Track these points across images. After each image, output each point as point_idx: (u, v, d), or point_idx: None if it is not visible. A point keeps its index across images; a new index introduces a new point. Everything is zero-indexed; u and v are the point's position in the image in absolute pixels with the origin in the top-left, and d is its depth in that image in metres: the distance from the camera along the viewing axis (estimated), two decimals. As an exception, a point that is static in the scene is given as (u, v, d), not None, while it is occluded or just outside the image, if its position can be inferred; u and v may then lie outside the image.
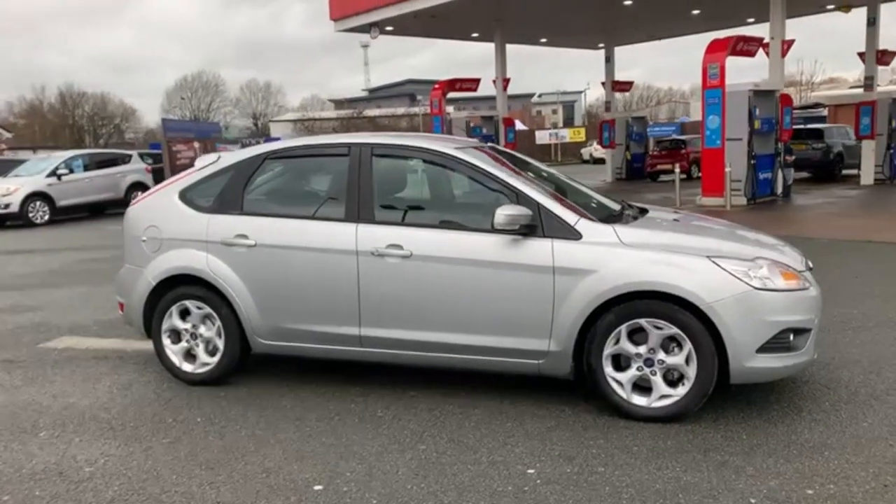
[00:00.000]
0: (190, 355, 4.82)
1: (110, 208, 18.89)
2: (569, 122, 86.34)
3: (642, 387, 3.96)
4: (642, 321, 3.86)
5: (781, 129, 16.11)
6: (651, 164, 24.72)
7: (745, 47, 15.31)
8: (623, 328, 3.89)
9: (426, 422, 4.04)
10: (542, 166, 5.23)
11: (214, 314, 4.67)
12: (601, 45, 27.09)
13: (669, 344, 3.87)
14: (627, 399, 3.94)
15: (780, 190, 16.30)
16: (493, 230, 4.10)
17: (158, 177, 19.32)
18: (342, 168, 4.54)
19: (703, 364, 3.79)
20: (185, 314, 4.78)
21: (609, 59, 25.18)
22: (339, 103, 73.20)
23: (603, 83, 25.60)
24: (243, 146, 29.38)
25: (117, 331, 6.35)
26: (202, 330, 4.74)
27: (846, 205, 14.98)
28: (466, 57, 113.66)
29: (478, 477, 3.35)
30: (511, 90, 23.36)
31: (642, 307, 3.85)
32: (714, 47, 14.90)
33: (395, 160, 4.63)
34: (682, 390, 3.86)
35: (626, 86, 26.11)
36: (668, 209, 5.26)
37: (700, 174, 22.66)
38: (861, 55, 20.31)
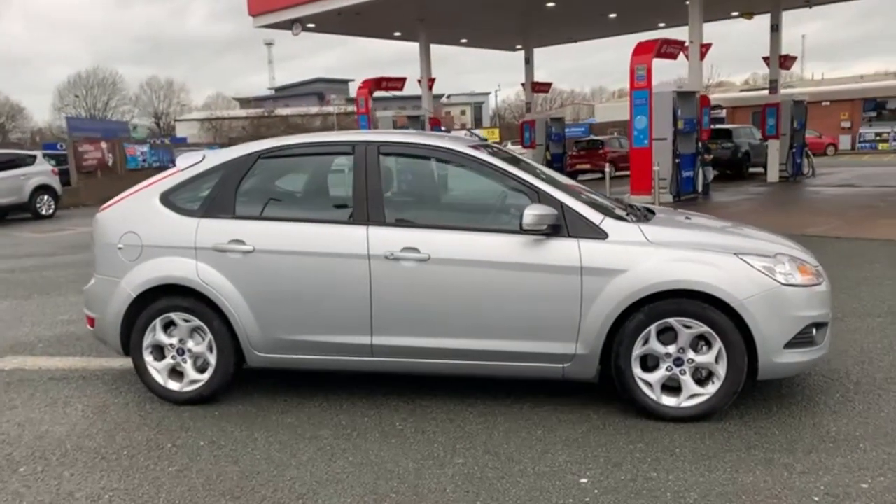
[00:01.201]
0: (176, 372, 4.42)
1: (13, 213, 17.48)
2: (477, 123, 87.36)
3: (670, 387, 3.92)
4: (672, 320, 3.82)
5: (701, 129, 16.78)
6: (571, 163, 25.32)
7: (669, 50, 15.83)
8: (653, 328, 3.84)
9: (452, 433, 3.85)
10: (539, 166, 5.13)
11: (205, 327, 4.30)
12: (519, 46, 27.46)
13: (697, 342, 3.85)
14: (657, 400, 3.89)
15: (700, 188, 16.96)
16: (512, 231, 3.97)
17: (65, 179, 18.05)
18: (345, 167, 4.27)
19: (733, 361, 3.78)
20: (168, 328, 4.38)
21: (529, 61, 25.52)
22: (244, 102, 71.05)
23: (523, 84, 25.93)
24: (153, 146, 28.04)
25: (69, 348, 5.81)
26: (190, 344, 4.36)
27: (762, 201, 15.76)
28: (376, 56, 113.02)
29: (532, 490, 3.20)
30: (408, 91, 23.07)
31: (672, 306, 3.80)
32: (640, 49, 15.32)
33: (403, 159, 4.41)
34: (711, 389, 3.84)
35: (545, 87, 26.58)
36: (668, 208, 5.26)
37: (617, 173, 23.50)
38: (766, 59, 21.47)
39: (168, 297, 4.33)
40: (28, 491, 3.38)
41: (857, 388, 4.30)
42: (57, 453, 3.78)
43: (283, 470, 3.49)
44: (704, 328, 3.79)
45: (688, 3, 19.71)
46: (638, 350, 3.87)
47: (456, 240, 4.03)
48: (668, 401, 3.88)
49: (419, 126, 21.42)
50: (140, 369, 4.43)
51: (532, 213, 3.81)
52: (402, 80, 21.40)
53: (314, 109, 52.13)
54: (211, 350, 4.32)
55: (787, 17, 22.16)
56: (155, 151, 29.32)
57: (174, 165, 4.57)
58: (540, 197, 3.99)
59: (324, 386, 4.59)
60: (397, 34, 23.73)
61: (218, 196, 4.33)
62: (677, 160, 15.89)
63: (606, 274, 3.84)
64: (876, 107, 35.96)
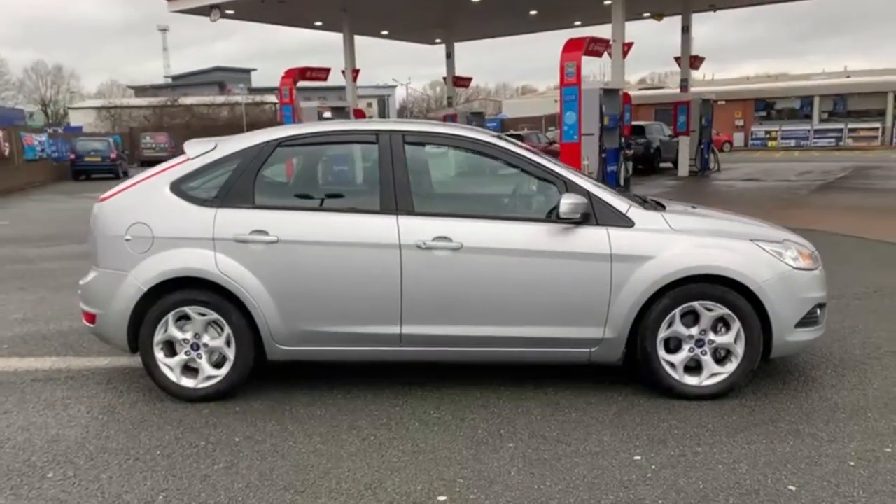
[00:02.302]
0: (189, 369, 4.25)
1: None
2: (383, 115, 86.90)
3: (690, 367, 4.13)
4: (695, 304, 4.03)
5: (623, 125, 17.47)
6: (491, 157, 25.66)
7: (596, 48, 16.35)
8: (677, 311, 4.03)
9: (491, 419, 3.91)
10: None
11: (223, 320, 4.16)
12: (438, 40, 27.59)
13: (716, 324, 4.08)
14: (679, 380, 4.09)
15: (622, 181, 17.66)
16: (541, 219, 4.09)
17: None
18: (371, 156, 4.23)
19: (750, 341, 4.04)
20: (181, 322, 4.21)
21: (450, 55, 25.68)
22: (140, 90, 67.71)
23: (444, 78, 26.09)
24: (51, 136, 26.32)
25: (39, 348, 5.46)
26: (206, 339, 4.20)
27: (682, 194, 16.58)
28: (279, 45, 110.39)
29: (594, 469, 3.32)
30: (328, 82, 22.76)
31: (696, 290, 4.01)
32: (570, 47, 15.74)
33: (428, 148, 4.41)
34: (730, 367, 4.08)
35: (465, 81, 26.81)
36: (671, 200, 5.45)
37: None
38: (677, 59, 22.58)
39: (182, 290, 4.16)
40: (70, 497, 3.18)
41: (842, 363, 4.67)
42: (82, 456, 3.57)
43: (337, 462, 3.45)
44: (725, 310, 4.02)
45: (607, 2, 20.47)
46: (663, 333, 4.06)
47: (487, 228, 4.09)
48: (690, 380, 4.10)
49: (345, 118, 21.17)
50: (150, 366, 4.23)
51: (568, 201, 3.92)
52: (327, 70, 21.07)
53: (220, 99, 50.31)
54: (229, 344, 4.19)
55: (678, 20, 23.32)
56: (54, 142, 27.56)
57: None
58: (568, 186, 4.10)
59: (338, 378, 4.54)
60: (318, 24, 23.33)
61: (236, 185, 4.19)
62: (603, 155, 16.47)
63: (635, 260, 4.00)
64: (766, 107, 38.49)
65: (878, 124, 35.66)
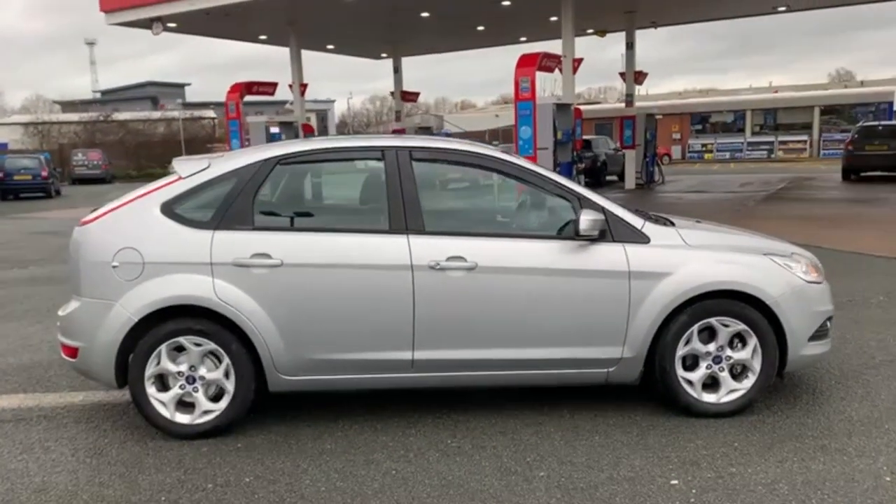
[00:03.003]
0: (183, 404, 3.95)
1: None
2: (323, 131, 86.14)
3: (706, 384, 4.07)
4: (712, 320, 3.97)
5: (575, 140, 17.68)
6: (441, 171, 25.64)
7: (548, 63, 16.51)
8: (695, 328, 3.97)
9: (514, 446, 3.75)
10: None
11: (221, 351, 3.88)
12: (384, 55, 27.48)
13: (733, 340, 4.04)
14: (698, 397, 4.03)
15: (575, 195, 17.84)
16: (556, 237, 3.99)
17: None
18: (376, 174, 4.05)
19: (767, 356, 4.00)
20: (174, 354, 3.91)
21: (398, 70, 25.60)
22: (68, 105, 65.19)
23: (392, 93, 25.95)
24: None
25: (2, 384, 5.02)
26: (202, 371, 3.92)
27: (638, 207, 16.83)
28: (213, 60, 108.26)
29: (635, 496, 3.20)
30: (269, 97, 22.24)
31: (713, 306, 3.96)
32: (524, 62, 15.84)
33: (436, 165, 4.24)
34: (747, 383, 4.04)
35: (413, 96, 26.74)
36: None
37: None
38: (622, 75, 23.05)
39: (177, 319, 3.87)
40: (72, 554, 2.87)
41: (843, 375, 4.70)
42: (79, 507, 3.25)
43: (363, 500, 3.23)
44: (742, 326, 3.98)
45: (553, 18, 20.76)
46: (681, 350, 3.99)
47: (502, 247, 3.95)
48: (709, 397, 4.04)
49: (293, 133, 20.77)
50: (141, 403, 3.91)
51: (588, 217, 3.83)
52: (274, 84, 20.65)
53: (157, 114, 48.76)
54: (227, 376, 3.91)
55: (611, 37, 23.90)
56: (-18, 160, 26.13)
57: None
58: (582, 203, 4.01)
59: (341, 408, 4.30)
60: (263, 38, 22.90)
61: (233, 206, 3.93)
62: (557, 169, 16.60)
63: (653, 277, 3.93)
64: (701, 120, 39.73)
65: (805, 137, 37.21)
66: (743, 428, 3.90)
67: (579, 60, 17.93)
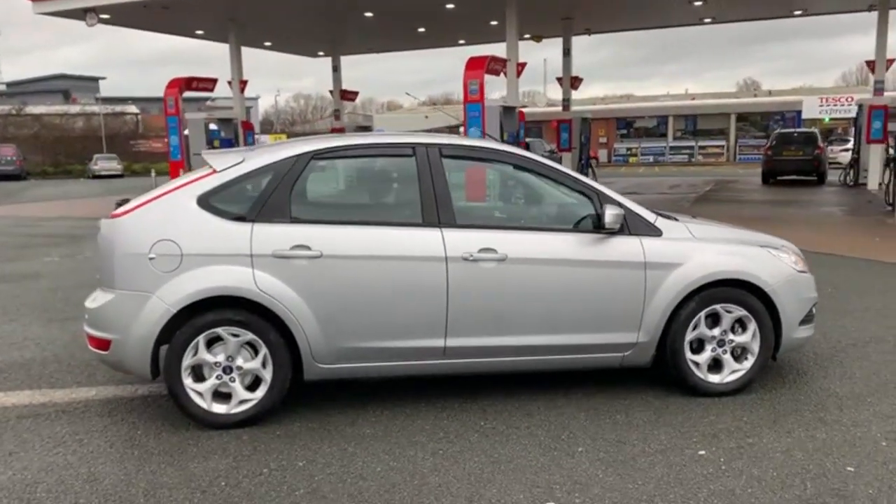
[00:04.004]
0: (219, 394, 4.01)
1: None
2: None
3: (710, 366, 4.42)
4: (717, 306, 4.33)
5: (520, 142, 18.13)
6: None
7: (495, 66, 16.89)
8: (702, 314, 4.32)
9: (546, 425, 3.99)
10: None
11: (259, 341, 3.96)
12: (321, 53, 27.36)
13: (734, 325, 4.40)
14: (704, 378, 4.37)
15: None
16: (578, 230, 4.25)
17: None
18: (408, 169, 4.20)
19: (764, 339, 4.39)
20: (212, 345, 3.96)
21: (337, 69, 25.53)
22: (-29, 98, 61.37)
23: (331, 91, 25.84)
24: None
25: (2, 382, 4.89)
26: (239, 361, 3.98)
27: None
28: (130, 53, 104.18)
29: (671, 466, 3.49)
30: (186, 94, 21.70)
31: (718, 294, 4.32)
32: (473, 65, 16.14)
33: (464, 161, 4.43)
34: (747, 364, 4.41)
35: (352, 95, 26.70)
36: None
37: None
38: (559, 80, 23.74)
39: (214, 310, 3.92)
40: (154, 537, 2.92)
41: (818, 357, 5.16)
42: (140, 495, 3.28)
43: (422, 478, 3.40)
44: (743, 312, 4.35)
45: (493, 23, 21.21)
46: (690, 335, 4.32)
47: (529, 239, 4.19)
48: (713, 378, 4.39)
49: (232, 130, 20.43)
50: (178, 394, 3.94)
51: (612, 212, 4.11)
52: (214, 80, 20.25)
53: (75, 108, 46.54)
54: (265, 365, 3.99)
55: (535, 45, 24.60)
56: None
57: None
58: (601, 198, 4.29)
59: (365, 396, 4.44)
60: (200, 32, 22.43)
61: (271, 199, 4.01)
62: (503, 169, 17.01)
63: (666, 268, 4.25)
64: (626, 125, 41.23)
65: (723, 142, 39.22)
66: (746, 405, 4.26)
67: (523, 64, 18.41)
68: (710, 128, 40.16)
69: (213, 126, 19.93)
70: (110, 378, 4.90)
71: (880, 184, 19.26)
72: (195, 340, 3.91)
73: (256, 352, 3.99)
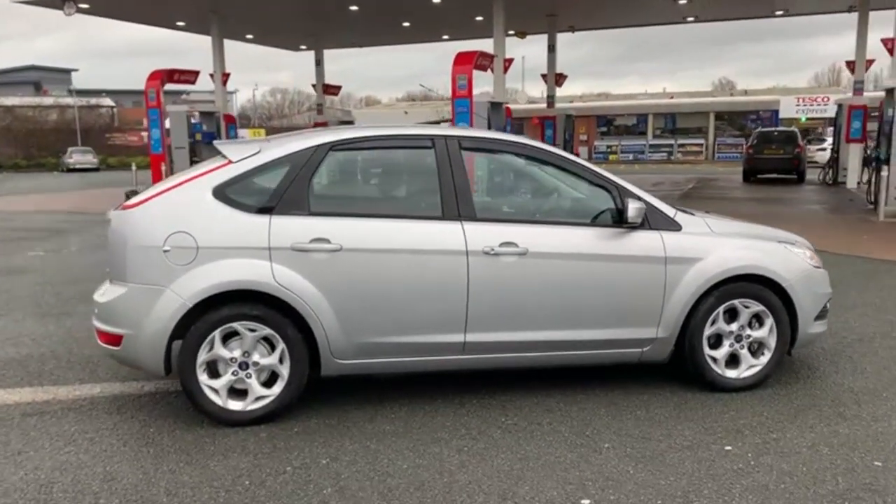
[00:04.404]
0: (234, 391, 3.91)
1: None
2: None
3: (727, 361, 4.40)
4: (736, 301, 4.32)
5: (506, 137, 18.11)
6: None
7: (483, 62, 16.83)
8: (720, 309, 4.30)
9: (568, 421, 3.95)
10: None
11: (276, 336, 3.87)
12: (304, 46, 27.09)
13: (751, 320, 4.40)
14: (722, 373, 4.36)
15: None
16: (598, 224, 4.22)
17: None
18: (427, 162, 4.13)
19: (781, 334, 4.39)
20: (227, 340, 3.86)
21: (319, 63, 25.29)
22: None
23: (314, 85, 25.60)
24: None
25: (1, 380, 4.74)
26: (255, 357, 3.88)
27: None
28: (102, 45, 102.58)
29: (702, 462, 3.46)
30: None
31: (736, 289, 4.30)
32: (461, 60, 16.07)
33: (483, 154, 4.37)
34: (763, 359, 4.41)
35: (335, 89, 26.48)
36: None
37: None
38: (544, 76, 23.75)
39: (231, 304, 3.82)
40: (182, 538, 2.83)
41: (826, 353, 5.18)
42: (163, 494, 3.17)
43: (451, 475, 3.33)
44: (760, 307, 4.34)
45: (479, 18, 21.16)
46: (708, 330, 4.31)
47: (549, 233, 4.13)
48: (731, 373, 4.38)
49: (214, 123, 20.13)
50: (193, 391, 3.84)
51: (635, 206, 4.07)
52: (196, 73, 19.87)
53: (48, 101, 45.60)
54: (282, 361, 3.90)
55: (512, 42, 24.52)
56: None
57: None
58: (621, 192, 4.25)
59: (380, 392, 4.36)
60: (181, 24, 22.07)
61: (289, 191, 3.91)
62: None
63: (686, 262, 4.22)
64: (606, 123, 41.44)
65: (702, 140, 39.57)
66: (764, 400, 4.26)
67: (510, 60, 18.38)
68: (689, 126, 40.51)
69: (193, 119, 19.62)
70: (114, 374, 4.78)
71: (859, 182, 19.59)
72: (211, 335, 3.81)
73: (272, 347, 3.89)
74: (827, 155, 26.39)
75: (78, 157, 37.43)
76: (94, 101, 46.85)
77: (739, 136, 38.24)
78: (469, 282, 3.99)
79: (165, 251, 3.78)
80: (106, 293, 3.95)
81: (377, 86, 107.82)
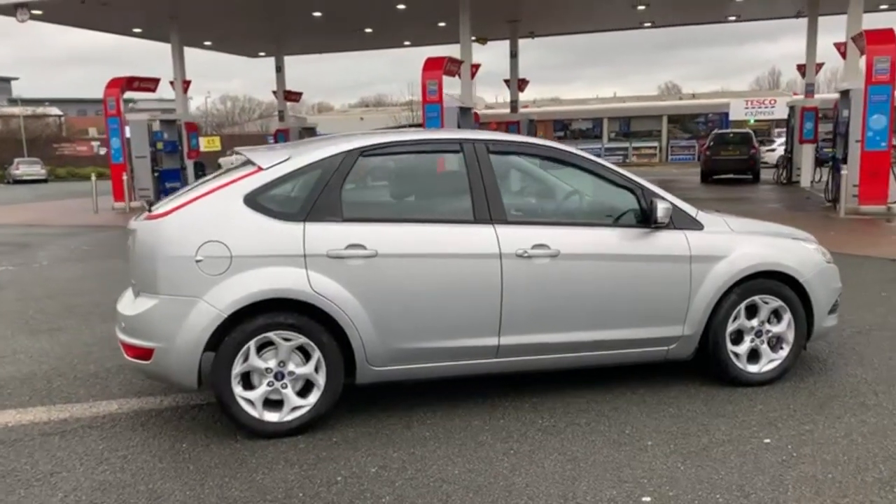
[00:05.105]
0: (269, 402, 3.83)
1: None
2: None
3: (747, 356, 4.50)
4: (756, 298, 4.42)
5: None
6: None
7: (452, 67, 16.89)
8: (742, 306, 4.40)
9: (605, 421, 3.97)
10: None
11: (312, 344, 3.80)
12: (262, 53, 26.76)
13: (770, 315, 4.50)
14: (744, 369, 4.45)
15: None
16: (624, 224, 4.28)
17: None
18: (455, 166, 4.13)
19: (798, 328, 4.51)
20: (261, 350, 3.78)
21: (280, 69, 25.01)
22: None
23: (274, 92, 25.29)
24: None
25: (8, 399, 4.55)
26: (291, 366, 3.81)
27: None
28: (44, 53, 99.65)
29: (744, 455, 3.53)
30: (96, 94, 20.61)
31: (757, 285, 4.40)
32: (430, 65, 16.10)
33: (510, 157, 4.37)
34: (782, 353, 4.52)
35: (296, 96, 26.19)
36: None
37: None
38: (506, 82, 23.96)
39: (266, 313, 3.74)
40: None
41: (831, 346, 5.33)
42: (215, 510, 3.09)
43: (506, 478, 3.32)
44: (779, 303, 4.46)
45: (441, 24, 21.23)
46: (731, 326, 4.40)
47: (580, 234, 4.17)
48: (752, 368, 4.48)
49: (175, 131, 19.73)
50: (228, 404, 3.75)
51: (663, 206, 4.14)
52: (156, 80, 19.52)
53: (-8, 110, 44.04)
54: (317, 370, 3.84)
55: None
56: None
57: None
58: (644, 193, 4.31)
59: (407, 399, 4.32)
60: (138, 30, 21.57)
61: (321, 197, 3.86)
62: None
63: (710, 260, 4.31)
64: (563, 127, 41.98)
65: (655, 143, 40.39)
66: (786, 393, 4.36)
67: (477, 66, 18.49)
68: (643, 130, 41.30)
69: (155, 127, 19.20)
70: (127, 390, 4.64)
71: (812, 181, 20.30)
72: (246, 346, 3.73)
73: (307, 356, 3.83)
74: (776, 155, 27.30)
75: (25, 168, 36.20)
76: (40, 110, 45.37)
77: (692, 139, 39.22)
78: (503, 284, 3.99)
79: (198, 261, 3.68)
80: (134, 305, 3.83)
81: (328, 92, 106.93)
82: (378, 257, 3.84)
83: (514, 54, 23.32)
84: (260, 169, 3.90)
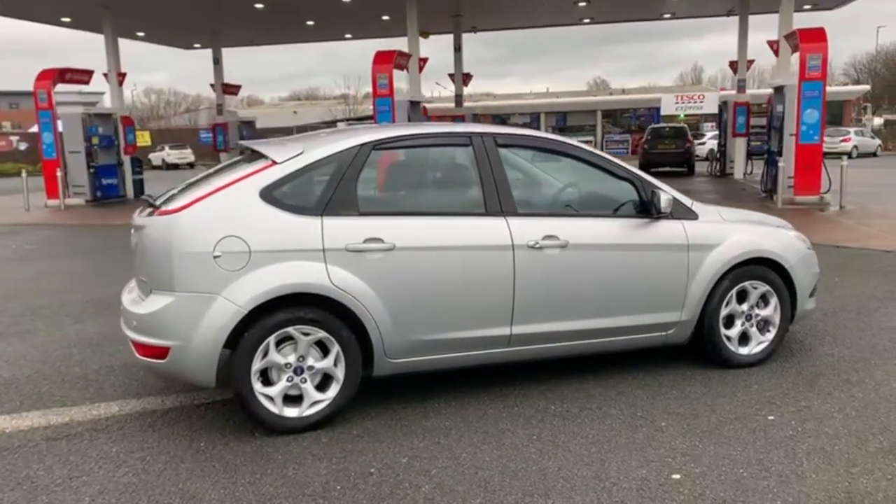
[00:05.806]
0: (288, 397, 3.80)
1: None
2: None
3: (738, 339, 4.73)
4: (747, 283, 4.64)
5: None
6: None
7: (401, 61, 16.84)
8: (734, 291, 4.62)
9: (615, 405, 4.10)
10: None
11: (331, 338, 3.79)
12: (197, 45, 26.05)
13: (758, 300, 4.73)
14: (736, 351, 4.67)
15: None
16: (626, 215, 4.42)
17: None
18: (465, 159, 4.18)
19: (783, 312, 4.76)
20: (281, 345, 3.75)
21: (218, 61, 24.38)
22: None
23: (212, 85, 24.64)
24: None
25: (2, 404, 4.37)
26: (310, 361, 3.79)
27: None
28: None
29: (753, 432, 3.72)
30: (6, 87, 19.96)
31: (747, 272, 4.63)
32: (381, 59, 16.03)
33: (517, 150, 4.44)
34: (769, 336, 4.76)
35: (234, 89, 25.58)
36: None
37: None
38: (451, 76, 24.04)
39: (286, 308, 3.71)
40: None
41: (808, 326, 5.65)
42: (256, 507, 3.06)
43: (538, 462, 3.41)
44: (766, 287, 4.69)
45: (385, 17, 21.15)
46: (724, 311, 4.61)
47: (586, 225, 4.29)
48: (743, 350, 4.70)
49: (111, 126, 19.00)
50: (248, 400, 3.70)
51: (666, 197, 4.30)
52: (90, 72, 18.70)
53: None
54: (336, 364, 3.83)
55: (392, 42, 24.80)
56: None
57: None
58: (645, 185, 4.47)
59: (416, 390, 4.36)
60: (67, 20, 20.65)
61: (337, 191, 3.85)
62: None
63: (705, 248, 4.50)
64: (502, 122, 42.43)
65: (591, 137, 41.28)
66: (776, 373, 4.60)
67: (425, 60, 18.50)
68: (579, 124, 42.19)
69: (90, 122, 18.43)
70: (124, 391, 4.51)
71: (745, 173, 21.20)
72: (265, 342, 3.69)
73: (325, 350, 3.82)
74: (706, 149, 28.32)
75: (-63, 165, 34.19)
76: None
77: (624, 133, 40.34)
78: (515, 275, 4.07)
79: (216, 257, 3.62)
80: (147, 303, 3.73)
81: (256, 85, 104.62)
82: (396, 250, 3.85)
83: (458, 48, 23.43)
84: (274, 163, 3.85)
